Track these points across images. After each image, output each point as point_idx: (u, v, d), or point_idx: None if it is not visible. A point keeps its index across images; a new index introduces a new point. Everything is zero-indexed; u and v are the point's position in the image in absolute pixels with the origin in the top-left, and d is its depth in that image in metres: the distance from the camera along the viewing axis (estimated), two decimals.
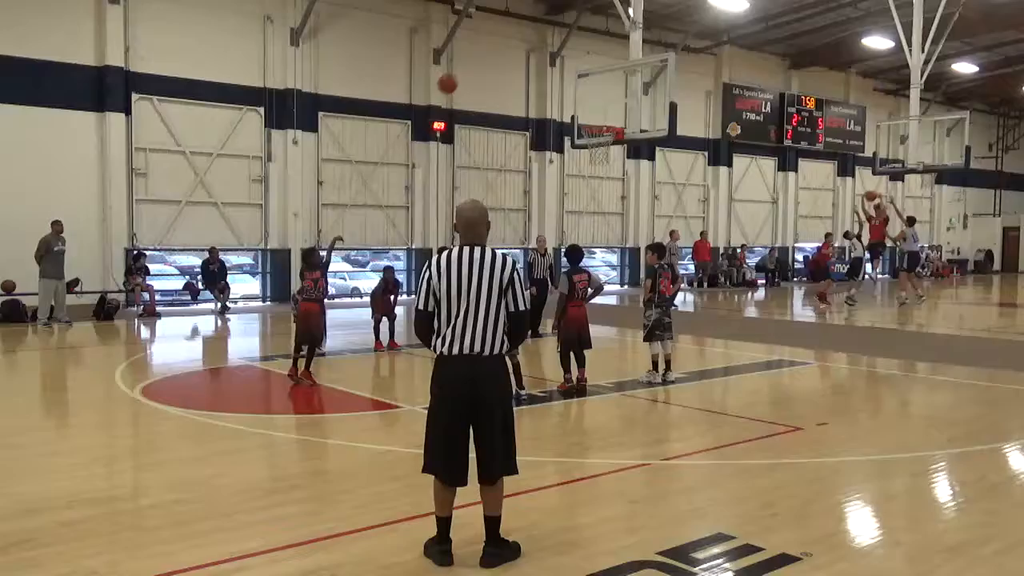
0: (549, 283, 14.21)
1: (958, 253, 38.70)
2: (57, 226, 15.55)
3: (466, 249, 4.53)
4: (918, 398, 9.98)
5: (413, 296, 4.75)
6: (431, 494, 4.59)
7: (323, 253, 11.23)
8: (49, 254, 15.41)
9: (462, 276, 4.46)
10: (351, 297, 21.73)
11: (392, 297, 13.05)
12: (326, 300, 13.00)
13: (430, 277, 4.53)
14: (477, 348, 4.44)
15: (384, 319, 12.80)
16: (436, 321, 4.54)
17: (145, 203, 18.47)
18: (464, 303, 4.45)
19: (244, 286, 21.34)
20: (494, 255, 4.55)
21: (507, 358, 4.82)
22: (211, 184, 19.26)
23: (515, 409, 4.84)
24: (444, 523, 4.56)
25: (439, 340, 4.51)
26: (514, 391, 8.70)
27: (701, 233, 27.65)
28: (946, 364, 11.80)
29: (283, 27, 19.89)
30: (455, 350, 4.46)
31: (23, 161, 16.75)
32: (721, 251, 29.12)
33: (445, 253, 4.57)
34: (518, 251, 22.93)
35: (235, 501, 5.54)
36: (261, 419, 8.45)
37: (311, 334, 9.87)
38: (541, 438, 7.67)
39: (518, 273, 4.58)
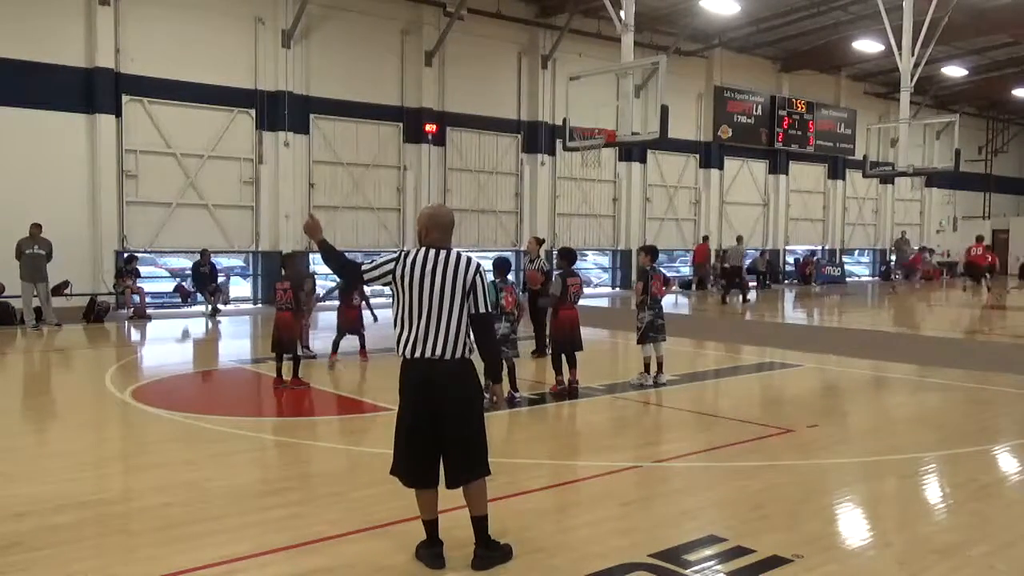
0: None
1: (948, 256, 38.88)
2: (34, 228, 15.43)
3: (432, 251, 4.53)
4: (908, 400, 10.01)
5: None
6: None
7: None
8: (23, 256, 15.31)
9: (424, 277, 4.45)
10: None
11: (358, 299, 11.63)
12: (318, 303, 12.93)
13: (393, 270, 4.50)
14: (439, 352, 4.42)
15: (350, 335, 11.56)
16: (399, 325, 4.51)
17: (135, 205, 18.40)
18: (427, 305, 4.44)
19: (234, 288, 21.23)
20: (459, 257, 4.54)
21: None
22: (202, 186, 19.20)
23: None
24: (431, 526, 4.56)
25: (403, 343, 4.49)
26: (507, 394, 8.74)
27: (704, 237, 27.92)
28: (935, 366, 11.85)
29: (274, 29, 19.85)
30: (418, 353, 4.44)
31: (12, 163, 16.66)
32: (712, 254, 29.20)
33: (412, 253, 4.54)
34: (509, 253, 22.91)
35: (225, 504, 5.53)
36: (251, 422, 8.43)
37: (281, 343, 9.85)
38: (533, 440, 7.67)
39: (481, 276, 4.56)
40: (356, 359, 11.81)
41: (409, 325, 4.47)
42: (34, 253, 15.38)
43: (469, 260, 4.56)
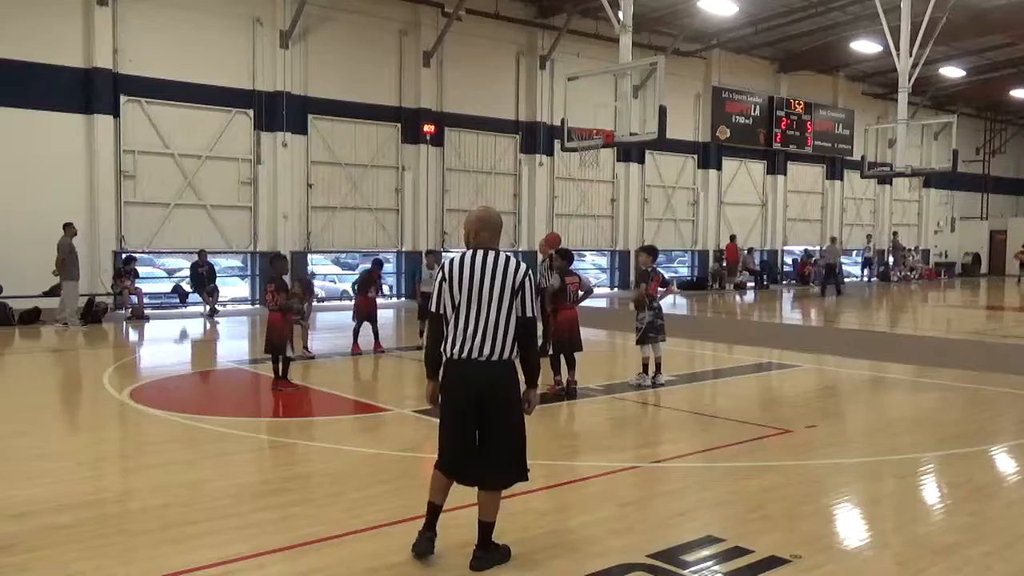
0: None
1: (945, 256, 38.93)
2: (72, 229, 15.78)
3: (479, 252, 4.53)
4: (906, 400, 10.02)
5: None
6: (421, 498, 4.59)
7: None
8: (71, 255, 15.58)
9: (474, 279, 4.45)
10: (340, 300, 21.65)
11: (374, 292, 12.73)
12: (316, 303, 12.98)
13: (443, 279, 4.52)
14: (487, 352, 4.42)
15: (366, 322, 12.60)
16: (446, 325, 4.51)
17: (133, 206, 18.38)
18: (475, 306, 4.44)
19: (233, 289, 21.26)
20: (507, 259, 4.54)
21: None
22: (200, 187, 19.18)
23: None
24: (434, 509, 4.56)
25: (448, 342, 4.49)
26: None
27: (732, 237, 28.46)
28: (933, 367, 11.86)
29: (272, 29, 19.84)
30: (464, 353, 4.44)
31: (10, 163, 16.64)
32: (711, 254, 29.26)
33: (459, 256, 4.55)
34: (508, 254, 22.83)
35: (224, 505, 5.52)
36: (250, 422, 8.43)
37: (271, 344, 9.87)
38: (531, 441, 7.63)
39: (530, 278, 4.56)
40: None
41: (455, 325, 4.46)
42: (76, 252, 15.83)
43: (519, 263, 4.57)
